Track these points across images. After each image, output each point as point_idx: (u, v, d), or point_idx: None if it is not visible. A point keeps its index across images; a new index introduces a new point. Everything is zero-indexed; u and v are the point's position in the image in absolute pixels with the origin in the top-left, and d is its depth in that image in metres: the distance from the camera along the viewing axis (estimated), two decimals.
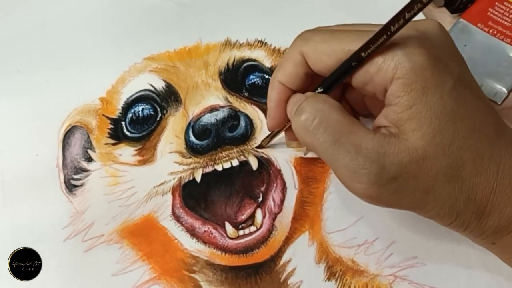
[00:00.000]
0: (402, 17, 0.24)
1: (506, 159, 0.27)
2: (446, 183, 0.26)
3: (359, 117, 0.35)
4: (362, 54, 0.26)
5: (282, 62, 0.31)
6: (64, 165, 0.37)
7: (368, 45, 0.26)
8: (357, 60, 0.27)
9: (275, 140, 0.36)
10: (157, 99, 0.39)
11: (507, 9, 0.42)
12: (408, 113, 0.26)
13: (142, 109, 0.39)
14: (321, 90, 0.29)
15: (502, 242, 0.29)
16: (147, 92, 0.39)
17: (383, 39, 0.25)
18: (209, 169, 0.36)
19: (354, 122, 0.27)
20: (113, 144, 0.38)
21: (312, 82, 0.31)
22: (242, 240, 0.34)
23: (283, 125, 0.33)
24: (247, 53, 0.41)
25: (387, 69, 0.26)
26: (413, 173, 0.26)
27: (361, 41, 0.26)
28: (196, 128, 0.37)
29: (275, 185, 0.36)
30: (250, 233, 0.35)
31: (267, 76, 0.40)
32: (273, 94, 0.31)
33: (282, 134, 0.35)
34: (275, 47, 0.41)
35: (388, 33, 0.25)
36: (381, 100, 0.28)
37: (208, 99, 0.38)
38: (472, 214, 0.27)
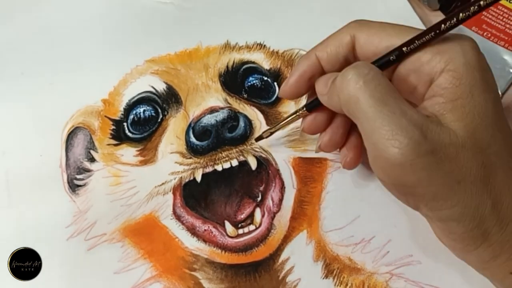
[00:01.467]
0: (455, 17, 0.25)
1: None
2: (478, 180, 0.25)
3: None
4: (416, 42, 0.26)
5: (327, 38, 0.31)
6: (67, 165, 0.37)
7: (424, 35, 0.26)
8: (407, 48, 0.27)
9: (273, 137, 0.36)
10: (158, 100, 0.39)
11: (501, 13, 0.42)
12: (453, 104, 0.25)
13: (144, 111, 0.39)
14: None
15: None
16: (149, 94, 0.39)
17: (435, 33, 0.26)
18: (209, 169, 0.36)
19: (401, 96, 0.26)
20: (115, 145, 0.38)
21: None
22: (241, 239, 0.34)
23: (294, 98, 0.33)
24: (246, 56, 0.41)
25: (440, 60, 0.26)
26: (451, 156, 0.25)
27: (415, 34, 0.26)
28: (196, 129, 0.37)
29: (273, 184, 0.36)
30: (249, 232, 0.35)
31: (265, 78, 0.40)
32: (304, 64, 0.31)
33: (280, 133, 0.34)
34: (273, 50, 0.41)
35: (444, 27, 0.26)
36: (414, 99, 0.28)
37: (208, 100, 0.39)
38: (495, 224, 0.26)
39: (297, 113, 0.33)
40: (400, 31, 0.28)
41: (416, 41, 0.27)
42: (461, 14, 0.26)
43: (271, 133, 0.35)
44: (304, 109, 0.32)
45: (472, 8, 0.25)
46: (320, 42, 0.31)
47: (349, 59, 0.30)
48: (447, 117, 0.26)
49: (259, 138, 0.36)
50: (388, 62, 0.28)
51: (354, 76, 0.26)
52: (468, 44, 0.26)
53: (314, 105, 0.32)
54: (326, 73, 0.31)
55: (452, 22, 0.26)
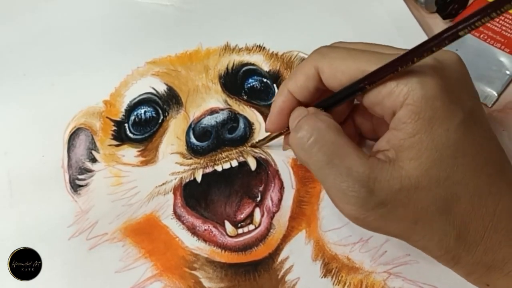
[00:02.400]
0: (427, 48, 0.24)
1: (505, 200, 0.26)
2: (436, 215, 0.25)
3: (365, 140, 0.34)
4: (365, 85, 0.26)
5: (295, 72, 0.31)
6: (69, 165, 0.37)
7: (378, 73, 0.25)
8: (361, 87, 0.27)
9: (272, 141, 0.36)
10: (159, 102, 0.39)
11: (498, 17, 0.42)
12: (410, 141, 0.25)
13: (145, 112, 0.39)
14: (322, 107, 0.30)
15: (497, 284, 0.27)
16: (150, 95, 0.39)
17: (400, 67, 0.25)
18: (209, 170, 0.36)
19: (349, 145, 0.27)
20: (117, 146, 0.38)
21: (320, 97, 0.30)
22: (241, 238, 0.34)
23: (280, 130, 0.33)
24: (246, 58, 0.41)
25: (399, 94, 0.25)
26: (402, 201, 0.25)
27: (378, 64, 0.25)
28: (196, 130, 0.37)
29: (273, 185, 0.36)
30: (249, 232, 0.35)
31: (265, 80, 0.40)
32: (279, 100, 0.31)
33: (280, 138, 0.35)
34: (273, 52, 0.41)
35: (402, 67, 0.25)
36: (388, 124, 0.27)
37: (208, 102, 0.39)
38: (463, 250, 0.26)
39: (282, 132, 0.33)
40: (363, 61, 0.27)
41: (374, 78, 0.26)
42: (433, 47, 0.24)
43: (267, 141, 0.36)
44: (287, 129, 0.32)
45: (446, 41, 0.23)
46: (289, 75, 0.31)
47: (319, 88, 0.30)
48: (403, 155, 0.25)
49: (253, 146, 0.37)
50: (343, 98, 0.28)
51: (299, 140, 0.27)
52: (428, 73, 0.25)
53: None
54: (303, 104, 0.31)
55: (416, 56, 0.24)
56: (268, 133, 0.36)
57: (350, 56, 0.28)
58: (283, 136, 0.35)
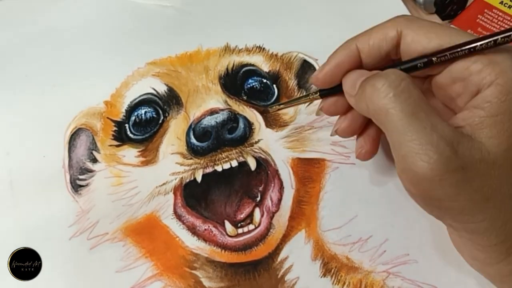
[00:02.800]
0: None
1: None
2: (508, 197, 0.25)
3: None
4: (452, 53, 0.25)
5: (371, 30, 0.29)
6: (70, 166, 0.37)
7: (475, 41, 0.25)
8: (440, 56, 0.26)
9: (273, 139, 0.37)
10: (160, 102, 0.39)
11: (496, 16, 0.42)
12: (492, 119, 0.25)
13: (145, 112, 0.39)
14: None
15: None
16: (150, 96, 0.40)
17: (489, 43, 0.25)
18: (209, 170, 0.36)
19: (432, 108, 0.25)
20: (117, 146, 0.38)
21: (382, 68, 0.29)
22: (241, 238, 0.35)
23: (326, 86, 0.31)
24: (245, 58, 0.41)
25: (491, 72, 0.25)
26: (481, 172, 0.24)
27: (468, 39, 0.25)
28: (196, 130, 0.37)
29: (272, 185, 0.36)
30: (249, 231, 0.35)
31: (265, 80, 0.40)
32: (342, 54, 0.29)
33: (279, 134, 0.34)
34: (272, 53, 0.41)
35: (501, 39, 0.24)
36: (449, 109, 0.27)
37: (208, 102, 0.39)
38: None
39: (309, 97, 0.32)
40: (452, 33, 0.26)
41: (463, 48, 0.25)
42: None
43: (278, 109, 0.36)
44: (318, 94, 0.31)
45: None
46: (363, 32, 0.29)
47: (391, 55, 0.29)
48: (483, 132, 0.25)
49: (265, 110, 0.36)
50: (427, 65, 0.27)
51: (384, 87, 0.25)
52: None
53: (329, 93, 0.31)
54: (364, 66, 0.29)
55: (508, 34, 0.24)
56: (278, 104, 0.36)
57: (438, 26, 0.27)
58: (282, 137, 0.34)
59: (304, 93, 0.39)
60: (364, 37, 0.29)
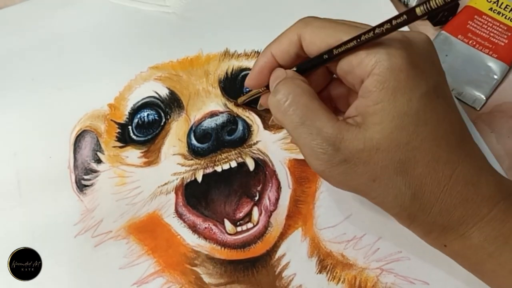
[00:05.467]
0: (389, 22, 0.25)
1: (462, 167, 0.27)
2: (393, 175, 0.27)
3: (341, 113, 0.35)
4: (335, 51, 0.27)
5: (279, 37, 0.31)
6: (75, 166, 0.38)
7: (351, 41, 0.26)
8: (335, 54, 0.27)
9: (271, 140, 0.37)
10: (161, 105, 0.39)
11: (486, 22, 0.42)
12: (374, 108, 0.26)
13: (148, 115, 0.39)
14: (296, 69, 0.30)
15: (452, 246, 0.28)
16: (152, 99, 0.40)
17: (365, 38, 0.26)
18: (209, 170, 0.36)
19: (321, 108, 0.28)
20: (121, 147, 0.38)
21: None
22: (240, 236, 0.35)
23: (258, 88, 0.33)
24: (244, 63, 0.41)
25: (367, 64, 0.26)
26: (363, 159, 0.27)
27: (353, 35, 0.26)
28: (197, 132, 0.37)
29: (270, 185, 0.36)
30: (248, 230, 0.35)
31: None
32: (262, 61, 0.32)
33: (276, 136, 0.35)
34: None
35: (373, 34, 0.25)
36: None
37: (208, 105, 0.39)
38: (418, 210, 0.27)
39: (260, 90, 0.34)
40: (341, 31, 0.28)
41: (343, 46, 0.27)
42: (393, 21, 0.25)
43: (243, 101, 0.38)
44: (265, 88, 0.33)
45: (402, 17, 0.25)
46: (275, 39, 0.32)
47: (300, 55, 0.31)
48: (369, 120, 0.27)
49: (235, 103, 0.39)
50: (319, 63, 0.29)
51: (276, 102, 0.28)
52: (396, 46, 0.26)
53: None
54: (283, 67, 0.31)
55: (374, 32, 0.25)
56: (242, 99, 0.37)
57: (330, 26, 0.29)
58: (279, 139, 0.35)
59: None
60: (275, 43, 0.31)
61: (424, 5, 0.23)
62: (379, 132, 0.26)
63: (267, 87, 0.33)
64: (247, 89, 0.40)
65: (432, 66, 0.28)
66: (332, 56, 0.28)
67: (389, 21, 0.25)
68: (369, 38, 0.26)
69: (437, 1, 0.22)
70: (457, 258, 0.29)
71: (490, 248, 0.27)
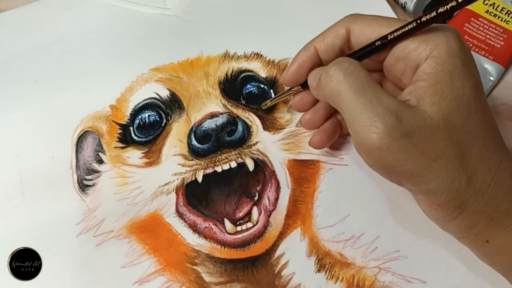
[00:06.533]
0: (435, 10, 0.26)
1: (506, 159, 0.27)
2: (453, 156, 0.26)
3: None
4: (400, 31, 0.28)
5: (325, 31, 0.31)
6: (77, 166, 0.38)
7: (407, 25, 0.27)
8: (383, 40, 0.28)
9: (270, 141, 0.37)
10: (162, 106, 0.39)
11: (482, 24, 0.42)
12: (433, 88, 0.26)
13: (149, 116, 0.39)
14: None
15: (496, 240, 0.27)
16: (153, 100, 0.40)
17: (426, 19, 0.27)
18: (209, 171, 0.37)
19: (378, 85, 0.27)
20: (122, 148, 0.38)
21: None
22: (239, 235, 0.35)
23: (294, 84, 0.34)
24: (244, 65, 0.41)
25: (426, 48, 0.27)
26: (425, 136, 0.26)
27: (402, 24, 0.27)
28: (197, 133, 0.37)
29: (270, 185, 0.36)
30: (247, 229, 0.35)
31: (262, 86, 0.40)
32: (304, 54, 0.32)
33: (276, 137, 0.35)
34: (269, 59, 0.41)
35: (435, 13, 0.27)
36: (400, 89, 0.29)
37: (208, 106, 0.39)
38: (471, 196, 0.26)
39: (293, 89, 0.35)
40: (392, 22, 0.29)
41: (400, 30, 0.28)
42: (440, 9, 0.27)
43: (270, 104, 0.38)
44: (299, 86, 0.34)
45: (450, 4, 0.26)
46: (318, 34, 0.32)
47: (344, 50, 0.31)
48: (426, 100, 0.26)
49: (259, 109, 0.38)
50: (370, 51, 0.29)
51: (335, 72, 0.28)
52: (451, 34, 0.27)
53: (307, 85, 0.33)
54: (323, 63, 0.32)
55: (431, 15, 0.27)
56: (268, 100, 0.38)
57: (381, 19, 0.29)
58: (279, 140, 0.35)
59: None
60: (319, 38, 0.32)
61: None
62: (437, 112, 0.26)
63: (302, 85, 0.33)
64: (248, 90, 0.40)
65: (474, 62, 0.28)
66: (386, 42, 0.28)
67: (445, 4, 0.26)
68: (430, 19, 0.26)
69: None
70: (499, 255, 0.28)
71: None
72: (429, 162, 0.26)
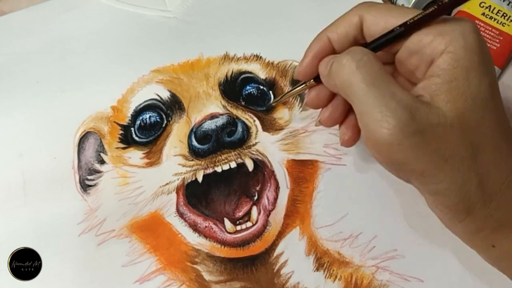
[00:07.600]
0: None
1: None
2: (465, 158, 0.25)
3: None
4: (409, 21, 0.26)
5: (337, 20, 0.30)
6: (79, 167, 0.38)
7: (431, 5, 0.27)
8: (401, 27, 0.27)
9: (269, 141, 0.37)
10: (163, 107, 0.40)
11: (478, 27, 0.42)
12: (448, 85, 0.25)
13: (150, 117, 0.39)
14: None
15: (502, 245, 0.27)
16: (154, 101, 0.40)
17: (433, 8, 0.26)
18: (209, 171, 0.37)
19: (392, 78, 0.26)
20: (123, 148, 0.38)
21: None
22: (239, 235, 0.35)
23: (309, 77, 0.32)
24: (243, 66, 0.41)
25: (441, 42, 0.25)
26: (438, 135, 0.24)
27: (416, 13, 0.26)
28: (198, 134, 0.37)
29: (269, 185, 0.36)
30: (247, 228, 0.35)
31: (261, 87, 0.40)
32: (317, 45, 0.30)
33: (275, 137, 0.35)
34: (269, 61, 0.41)
35: (435, 7, 0.25)
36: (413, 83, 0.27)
37: (208, 107, 0.39)
38: (480, 199, 0.25)
39: (306, 83, 0.33)
40: (405, 12, 0.27)
41: (414, 19, 0.26)
42: None
43: (280, 101, 0.38)
44: (312, 80, 0.32)
45: None
46: (331, 23, 0.30)
47: (358, 39, 0.29)
48: (440, 98, 0.25)
49: (270, 105, 0.38)
50: (389, 40, 0.28)
51: (348, 61, 0.26)
52: (469, 28, 0.25)
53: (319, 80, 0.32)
54: (338, 53, 0.30)
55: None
56: (279, 97, 0.37)
57: (394, 8, 0.28)
58: (278, 140, 0.35)
59: (299, 98, 0.40)
60: (332, 27, 0.30)
61: None
62: (452, 110, 0.24)
63: (315, 80, 0.31)
64: (247, 92, 0.40)
65: (491, 60, 0.27)
66: (404, 30, 0.26)
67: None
68: (435, 12, 0.25)
69: None
70: (504, 260, 0.28)
71: None
72: (440, 163, 0.25)
